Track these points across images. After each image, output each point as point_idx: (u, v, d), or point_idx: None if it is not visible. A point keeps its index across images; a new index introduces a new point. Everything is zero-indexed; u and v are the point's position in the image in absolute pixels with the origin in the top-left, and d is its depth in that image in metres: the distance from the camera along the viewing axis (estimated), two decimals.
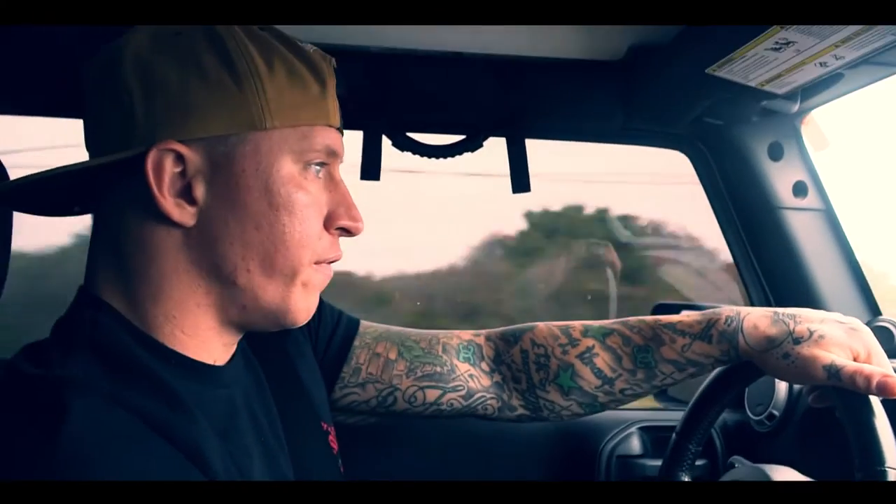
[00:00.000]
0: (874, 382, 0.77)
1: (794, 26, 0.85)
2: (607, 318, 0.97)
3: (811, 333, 0.83)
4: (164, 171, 0.64)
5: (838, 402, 0.80)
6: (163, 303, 0.67)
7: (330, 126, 0.71)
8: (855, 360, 0.82)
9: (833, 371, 0.79)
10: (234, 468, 0.64)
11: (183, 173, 0.65)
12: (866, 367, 0.78)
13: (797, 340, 0.83)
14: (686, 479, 1.03)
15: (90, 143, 0.70)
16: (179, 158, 0.64)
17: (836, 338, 0.82)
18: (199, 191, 0.66)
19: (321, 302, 0.93)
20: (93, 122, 0.69)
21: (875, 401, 0.78)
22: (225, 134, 0.65)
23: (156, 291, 0.67)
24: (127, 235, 0.67)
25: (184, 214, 0.66)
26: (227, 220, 0.66)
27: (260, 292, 0.68)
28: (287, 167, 0.67)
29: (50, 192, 0.71)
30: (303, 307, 0.71)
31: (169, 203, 0.65)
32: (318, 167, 0.70)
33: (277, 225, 0.67)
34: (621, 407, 1.39)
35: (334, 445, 0.87)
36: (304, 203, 0.68)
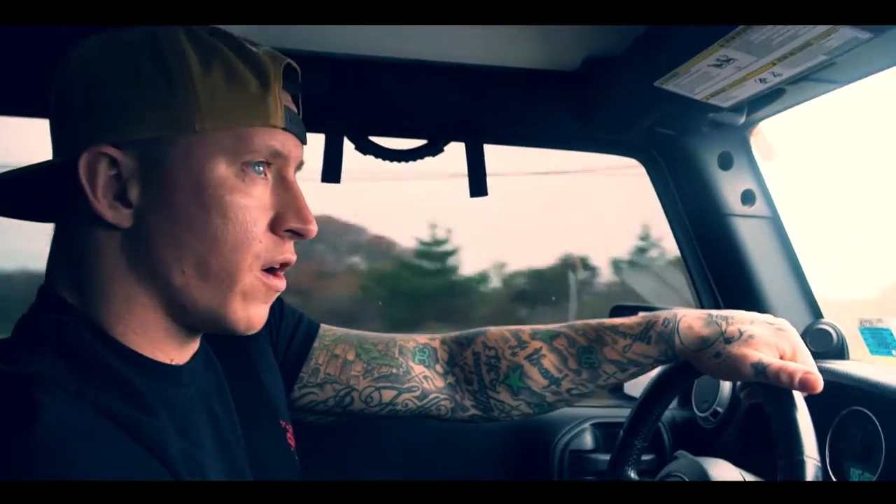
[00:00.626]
0: (797, 379, 0.82)
1: (733, 44, 0.90)
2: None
3: (741, 333, 0.88)
4: (97, 174, 0.65)
5: (765, 397, 0.86)
6: (112, 302, 0.68)
7: (272, 127, 0.69)
8: (781, 358, 0.87)
9: (760, 368, 0.85)
10: (194, 465, 0.66)
11: (118, 176, 0.66)
12: (790, 365, 0.84)
13: (728, 340, 0.88)
14: (632, 473, 1.08)
15: (53, 151, 0.72)
16: (113, 162, 0.65)
17: (764, 337, 0.87)
18: (134, 193, 0.66)
19: (281, 303, 0.96)
20: (52, 129, 0.71)
21: (798, 396, 0.83)
22: (156, 136, 0.65)
23: (104, 291, 0.68)
24: (75, 237, 0.69)
25: (118, 216, 0.66)
26: (160, 222, 0.67)
27: (197, 295, 0.68)
28: (220, 169, 0.67)
29: (12, 195, 0.72)
30: (242, 316, 0.70)
31: (103, 205, 0.66)
32: (259, 168, 0.69)
33: (210, 227, 0.67)
34: (575, 405, 1.45)
35: (292, 443, 0.89)
36: (240, 205, 0.68)
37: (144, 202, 0.67)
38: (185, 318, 0.71)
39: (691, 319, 0.92)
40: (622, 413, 1.43)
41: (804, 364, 0.86)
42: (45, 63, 1.04)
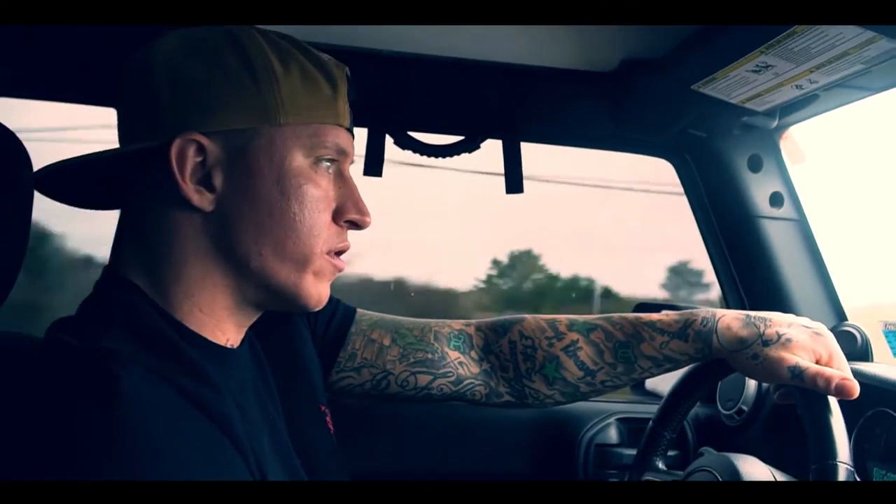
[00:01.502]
0: (833, 384, 0.84)
1: (774, 51, 0.93)
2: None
3: (779, 336, 0.90)
4: (186, 159, 0.69)
5: (800, 400, 0.87)
6: (183, 282, 0.72)
7: (340, 126, 0.76)
8: (818, 362, 0.88)
9: (797, 372, 0.86)
10: (254, 441, 0.69)
11: (203, 163, 0.70)
12: (827, 370, 0.85)
13: (766, 343, 0.90)
14: (660, 463, 1.10)
15: (121, 137, 0.75)
16: (201, 149, 0.70)
17: (802, 342, 0.89)
18: (218, 179, 0.71)
19: None
20: (124, 117, 0.75)
21: (833, 401, 0.85)
22: (242, 127, 0.70)
23: (177, 272, 0.72)
24: (151, 220, 0.72)
25: (203, 200, 0.71)
26: (242, 207, 0.71)
27: (272, 275, 0.73)
28: (298, 160, 0.72)
29: (80, 179, 0.76)
30: (314, 293, 0.76)
31: (190, 189, 0.70)
32: (328, 163, 0.75)
33: (288, 213, 0.72)
34: (600, 399, 1.48)
35: (331, 426, 0.92)
36: (314, 195, 0.73)
37: (227, 188, 0.71)
38: (255, 297, 0.75)
39: (730, 320, 0.93)
40: (647, 409, 1.46)
41: (840, 369, 0.88)
42: (70, 51, 1.10)
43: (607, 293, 3.08)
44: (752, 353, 0.90)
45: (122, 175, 0.74)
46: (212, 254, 0.72)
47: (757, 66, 0.97)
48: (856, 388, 0.84)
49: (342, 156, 0.77)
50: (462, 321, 1.06)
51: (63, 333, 0.67)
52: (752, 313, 0.94)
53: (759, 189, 1.35)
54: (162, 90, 0.70)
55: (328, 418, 0.92)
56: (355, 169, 0.84)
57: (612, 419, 1.42)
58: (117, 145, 0.76)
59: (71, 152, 0.73)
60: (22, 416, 0.61)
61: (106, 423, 0.58)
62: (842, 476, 0.79)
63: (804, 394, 0.86)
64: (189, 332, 0.72)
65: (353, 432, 1.34)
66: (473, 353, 1.03)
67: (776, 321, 0.92)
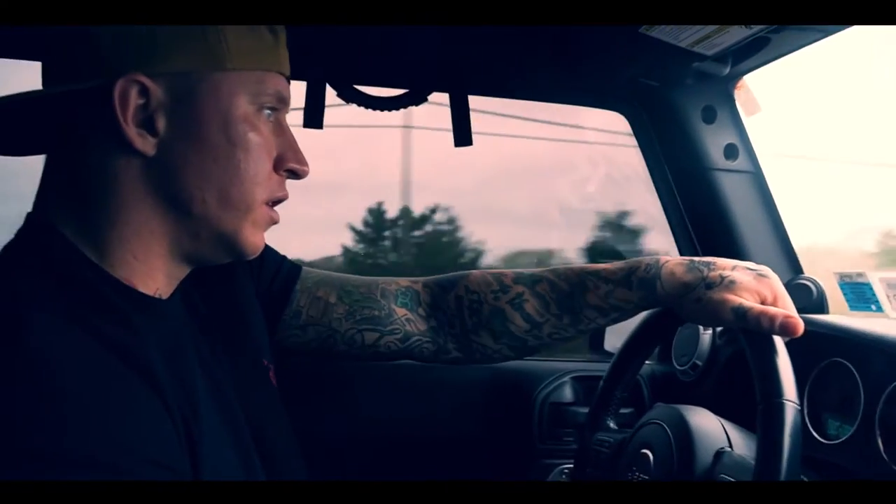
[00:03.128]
0: (777, 322, 0.82)
1: None
2: None
3: (722, 279, 0.88)
4: (129, 101, 0.66)
5: (744, 342, 0.85)
6: (119, 227, 0.69)
7: (281, 73, 0.75)
8: (762, 303, 0.87)
9: (740, 313, 0.85)
10: (183, 396, 0.67)
11: (146, 105, 0.68)
12: (771, 309, 0.84)
13: (709, 285, 0.88)
14: (611, 422, 1.09)
15: (49, 78, 0.71)
16: (144, 90, 0.67)
17: (746, 283, 0.87)
18: (161, 122, 0.68)
19: (265, 246, 0.96)
20: (58, 57, 0.71)
21: (778, 340, 0.83)
22: (187, 70, 0.68)
23: (112, 216, 0.69)
24: (86, 164, 0.69)
25: (145, 144, 0.68)
26: (186, 153, 0.69)
27: (214, 223, 0.72)
28: (243, 107, 0.71)
29: (4, 123, 0.72)
30: (251, 241, 0.75)
31: (132, 132, 0.67)
32: (269, 111, 0.74)
33: (233, 160, 0.71)
34: (556, 358, 1.46)
35: (274, 381, 0.90)
36: (257, 143, 0.72)
37: (170, 132, 0.69)
38: (192, 246, 0.74)
39: (673, 265, 0.92)
40: (602, 367, 1.44)
41: (785, 309, 0.86)
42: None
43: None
44: (696, 297, 0.89)
45: (52, 118, 0.71)
46: (151, 199, 0.70)
47: None
48: (800, 325, 0.82)
49: (282, 104, 0.76)
50: (409, 279, 1.04)
51: None
52: (696, 259, 0.92)
53: (714, 141, 1.33)
54: (102, 29, 0.66)
55: (272, 373, 0.90)
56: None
57: (567, 377, 1.42)
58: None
59: None
60: None
61: (11, 366, 0.56)
62: (789, 414, 0.77)
63: (748, 335, 0.85)
64: (113, 279, 0.69)
65: (303, 392, 1.32)
66: (421, 310, 1.01)
67: (720, 264, 0.90)
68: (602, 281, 0.94)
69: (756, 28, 0.98)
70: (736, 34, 1.01)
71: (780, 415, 0.78)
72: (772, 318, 0.82)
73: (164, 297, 0.74)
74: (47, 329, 0.58)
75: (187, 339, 0.76)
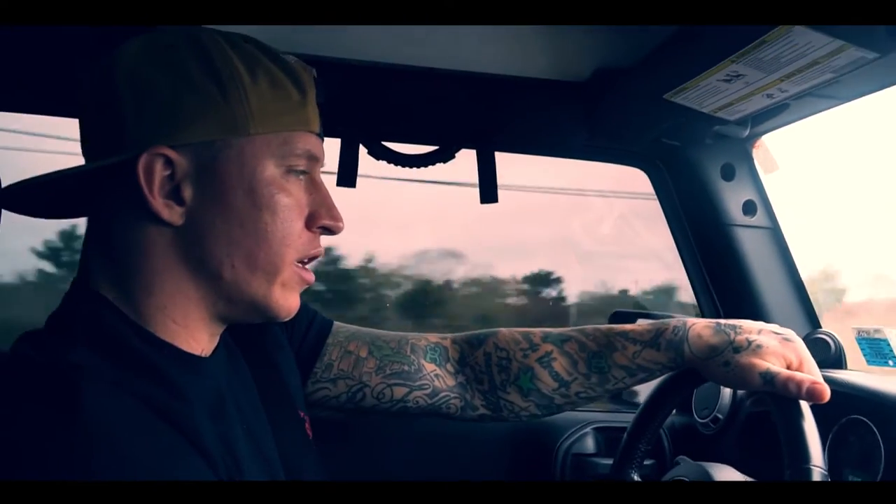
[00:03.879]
0: (804, 388, 0.84)
1: (744, 61, 0.93)
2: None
3: (749, 343, 0.90)
4: (154, 173, 0.68)
5: (772, 406, 0.87)
6: (155, 295, 0.71)
7: (310, 132, 0.75)
8: (788, 367, 0.89)
9: (768, 378, 0.87)
10: (227, 453, 0.69)
11: (172, 176, 0.69)
12: (798, 374, 0.86)
13: (737, 349, 0.90)
14: (636, 476, 1.10)
15: (86, 149, 0.74)
16: (168, 162, 0.68)
17: (772, 347, 0.89)
18: (188, 192, 0.70)
19: None
20: (88, 130, 0.73)
21: (805, 405, 0.85)
22: (211, 139, 0.69)
23: (148, 285, 0.71)
24: (121, 234, 0.71)
25: (173, 214, 0.70)
26: (213, 220, 0.70)
27: (244, 287, 0.72)
28: (269, 170, 0.71)
29: (45, 194, 0.74)
30: (283, 304, 0.75)
31: (159, 203, 0.69)
32: (299, 170, 0.74)
33: (260, 223, 0.71)
34: (577, 409, 1.47)
35: (310, 433, 0.91)
36: (286, 204, 0.72)
37: (197, 201, 0.70)
38: (227, 309, 0.74)
39: (700, 328, 0.93)
40: (623, 418, 1.46)
41: (811, 374, 0.88)
42: (44, 61, 1.08)
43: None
44: (724, 361, 0.91)
45: (89, 189, 0.73)
46: (182, 267, 0.71)
47: (727, 75, 0.97)
48: (826, 392, 0.84)
49: (313, 162, 0.76)
50: (438, 334, 1.06)
51: (29, 347, 0.66)
52: (723, 321, 0.94)
53: (733, 197, 1.36)
54: (126, 103, 0.68)
55: (307, 425, 0.92)
56: (328, 180, 0.82)
57: (588, 429, 1.42)
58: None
59: (44, 162, 0.71)
60: None
61: (69, 436, 0.57)
62: (816, 480, 0.79)
63: (776, 399, 0.87)
64: (160, 341, 0.71)
65: (330, 444, 1.33)
66: (449, 366, 1.02)
67: (746, 328, 0.92)
68: (630, 342, 0.96)
69: (778, 97, 1.02)
70: (758, 102, 1.05)
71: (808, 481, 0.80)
72: (799, 384, 0.85)
73: (207, 354, 0.76)
74: (102, 398, 0.60)
75: (228, 394, 0.78)
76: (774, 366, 0.88)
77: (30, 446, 0.57)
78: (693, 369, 0.96)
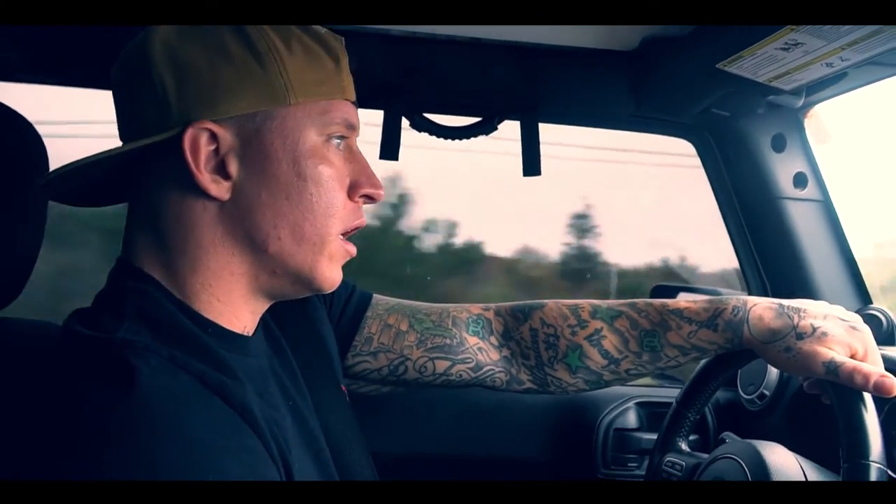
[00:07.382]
0: (872, 381, 0.80)
1: (805, 28, 0.89)
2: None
3: (814, 329, 0.86)
4: (199, 148, 0.68)
5: (833, 396, 0.84)
6: (200, 272, 0.71)
7: (346, 100, 0.75)
8: (853, 357, 0.85)
9: (832, 368, 0.83)
10: (276, 428, 0.69)
11: (217, 150, 0.69)
12: (864, 366, 0.82)
13: (800, 335, 0.86)
14: (683, 445, 1.08)
15: (124, 133, 0.74)
16: (213, 137, 0.69)
17: (838, 336, 0.85)
18: (233, 166, 0.70)
19: None
20: (128, 113, 0.73)
21: (868, 397, 0.82)
22: (253, 111, 0.69)
23: (194, 262, 0.71)
24: (166, 212, 0.71)
25: (220, 189, 0.70)
26: (259, 192, 0.70)
27: (289, 260, 0.73)
28: (311, 139, 0.72)
29: (87, 179, 0.74)
30: (329, 276, 0.76)
31: (206, 179, 0.69)
32: (338, 140, 0.74)
33: (306, 195, 0.71)
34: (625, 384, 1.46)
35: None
36: (329, 174, 0.73)
37: (243, 174, 0.70)
38: (270, 283, 0.75)
39: (762, 310, 0.90)
40: (666, 392, 1.45)
41: (875, 365, 0.84)
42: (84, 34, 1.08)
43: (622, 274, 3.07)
44: (785, 346, 0.87)
45: (131, 170, 0.73)
46: (229, 242, 0.72)
47: (786, 43, 0.94)
48: (895, 386, 0.80)
49: (351, 130, 0.76)
50: (481, 305, 1.05)
51: (79, 325, 0.67)
52: (786, 302, 0.90)
53: (783, 169, 1.32)
54: (165, 81, 0.68)
55: (347, 399, 0.92)
56: (371, 152, 0.82)
57: (630, 403, 1.41)
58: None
59: (85, 146, 0.71)
60: (40, 407, 0.61)
61: (124, 413, 0.58)
62: (874, 476, 0.77)
63: (838, 390, 0.83)
64: (206, 320, 0.71)
65: (369, 415, 1.34)
66: (493, 339, 1.01)
67: (811, 312, 0.88)
68: (685, 321, 0.93)
69: (838, 66, 0.98)
70: (816, 71, 1.01)
71: (866, 477, 0.77)
72: (866, 377, 0.81)
73: (250, 333, 0.76)
74: (157, 374, 0.61)
75: (271, 372, 0.79)
76: (839, 355, 0.84)
77: (85, 425, 0.57)
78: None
